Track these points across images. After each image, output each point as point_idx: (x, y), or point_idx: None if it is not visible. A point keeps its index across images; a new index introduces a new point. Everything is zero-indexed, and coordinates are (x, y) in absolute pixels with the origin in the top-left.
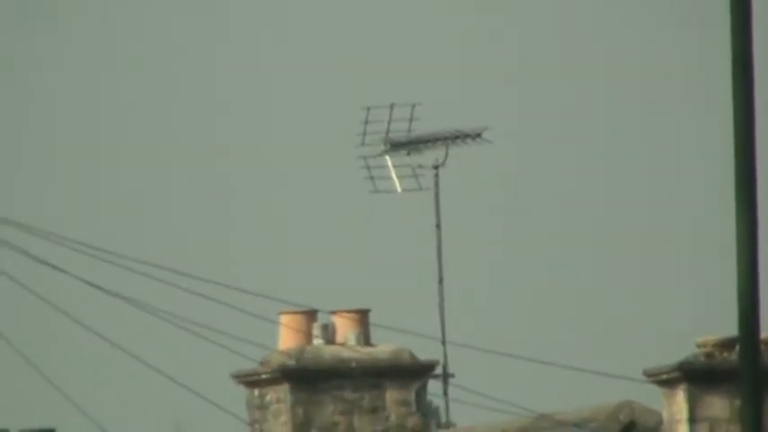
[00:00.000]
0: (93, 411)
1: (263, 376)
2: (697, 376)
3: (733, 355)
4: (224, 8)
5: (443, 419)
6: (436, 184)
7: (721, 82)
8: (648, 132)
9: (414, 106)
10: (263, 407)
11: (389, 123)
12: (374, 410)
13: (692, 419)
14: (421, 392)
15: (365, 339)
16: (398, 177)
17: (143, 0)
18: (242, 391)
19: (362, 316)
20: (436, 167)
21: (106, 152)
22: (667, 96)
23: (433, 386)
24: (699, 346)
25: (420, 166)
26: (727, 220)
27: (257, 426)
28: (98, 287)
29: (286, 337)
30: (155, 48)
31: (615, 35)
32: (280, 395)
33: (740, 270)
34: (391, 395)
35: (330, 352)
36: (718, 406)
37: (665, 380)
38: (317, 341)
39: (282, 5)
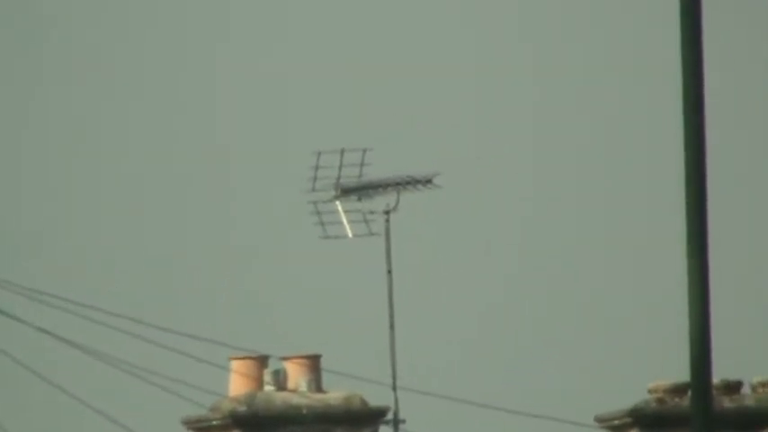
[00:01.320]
0: None
1: (214, 422)
2: (648, 422)
3: (685, 401)
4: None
5: None
6: (387, 230)
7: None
8: (604, 180)
9: (365, 151)
10: None
11: (340, 169)
12: None
13: None
14: None
15: (316, 385)
16: (349, 223)
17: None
18: None
19: (313, 362)
20: (387, 213)
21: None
22: (622, 139)
23: None
24: (650, 391)
25: (371, 212)
26: (680, 265)
27: None
28: (48, 332)
29: (237, 384)
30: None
31: (567, 78)
32: None
33: (692, 315)
34: None
35: (281, 398)
36: None
37: (617, 425)
38: (268, 387)
39: (239, 50)
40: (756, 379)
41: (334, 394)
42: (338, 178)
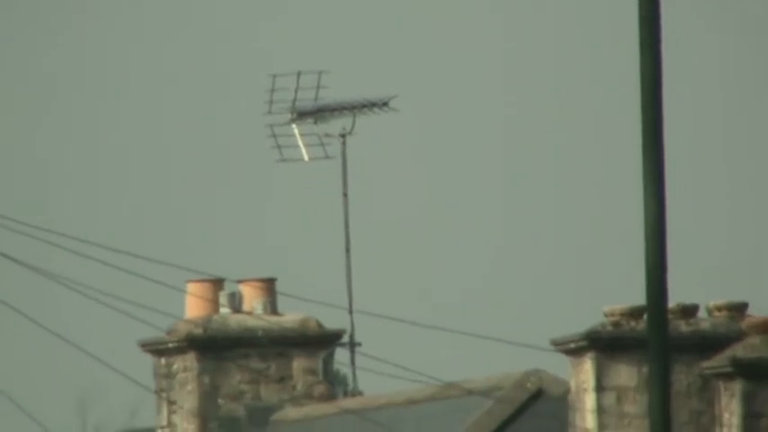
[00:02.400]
0: None
1: (170, 345)
2: (604, 345)
3: (640, 324)
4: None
5: (350, 388)
6: (343, 153)
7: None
8: (557, 102)
9: (321, 74)
10: (170, 375)
11: (296, 91)
12: (281, 379)
13: (600, 388)
14: (328, 361)
15: (272, 308)
16: (305, 146)
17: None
18: (149, 359)
19: (269, 284)
20: (343, 136)
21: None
22: (572, 64)
23: (340, 355)
24: (606, 315)
25: (327, 135)
26: (635, 188)
27: (164, 394)
28: (4, 255)
29: (193, 306)
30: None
31: (523, 6)
32: (187, 364)
33: (648, 239)
34: (298, 364)
35: (237, 321)
36: (626, 375)
37: (573, 349)
38: (224, 310)
39: None
40: (712, 303)
41: (290, 317)
42: (294, 101)
